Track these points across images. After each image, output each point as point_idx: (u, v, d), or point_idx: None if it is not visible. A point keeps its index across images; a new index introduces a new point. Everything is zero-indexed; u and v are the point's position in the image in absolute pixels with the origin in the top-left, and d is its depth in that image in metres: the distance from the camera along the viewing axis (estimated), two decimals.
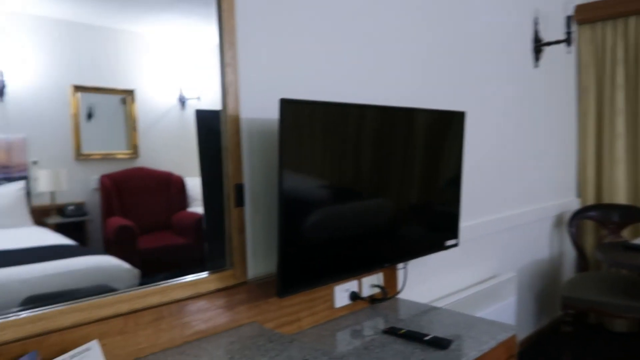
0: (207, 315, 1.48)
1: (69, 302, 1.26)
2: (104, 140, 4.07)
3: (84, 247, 3.55)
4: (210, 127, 1.64)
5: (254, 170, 1.63)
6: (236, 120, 1.56)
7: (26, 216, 3.96)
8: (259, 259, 1.64)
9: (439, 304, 2.20)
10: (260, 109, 1.64)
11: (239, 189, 1.58)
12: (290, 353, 1.34)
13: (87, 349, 1.17)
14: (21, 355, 1.12)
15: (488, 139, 2.68)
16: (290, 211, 1.51)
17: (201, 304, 1.47)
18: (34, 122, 3.92)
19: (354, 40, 1.93)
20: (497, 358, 1.61)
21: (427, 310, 1.89)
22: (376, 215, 1.85)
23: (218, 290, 1.51)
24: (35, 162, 4.15)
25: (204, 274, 1.51)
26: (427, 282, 2.33)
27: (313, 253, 1.60)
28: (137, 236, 3.99)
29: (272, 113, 1.66)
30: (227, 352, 1.37)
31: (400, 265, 2.08)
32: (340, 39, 1.87)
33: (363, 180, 1.77)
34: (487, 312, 2.52)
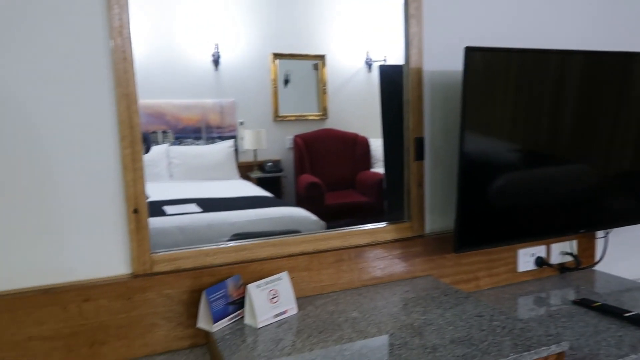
0: (383, 263, 1.54)
1: (264, 238, 1.44)
2: (298, 103, 4.43)
3: (278, 199, 3.97)
4: (393, 81, 1.65)
5: (434, 124, 1.60)
6: (419, 72, 1.54)
7: (234, 170, 4.58)
8: (436, 213, 1.63)
9: None
10: (443, 60, 1.58)
11: (419, 143, 1.58)
12: (465, 307, 1.32)
13: (279, 278, 1.33)
14: (228, 277, 1.33)
15: None
16: (471, 175, 1.45)
17: (378, 252, 1.53)
18: (241, 88, 4.44)
19: None
20: None
21: (633, 287, 1.65)
22: (574, 181, 1.66)
23: (395, 241, 1.56)
24: (241, 123, 4.73)
25: (382, 224, 1.57)
26: (635, 256, 2.02)
27: (494, 213, 1.52)
28: (324, 193, 4.30)
29: (456, 65, 1.60)
30: (402, 299, 1.41)
31: (599, 234, 1.85)
32: None
33: (561, 143, 1.59)
34: None
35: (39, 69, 1.15)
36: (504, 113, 1.48)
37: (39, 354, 1.18)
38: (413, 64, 1.54)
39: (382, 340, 1.16)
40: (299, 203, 3.80)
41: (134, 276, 1.27)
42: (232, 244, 1.40)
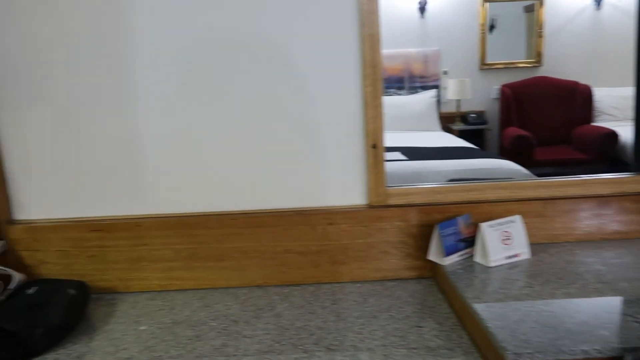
0: (630, 217, 1.38)
1: (495, 180, 1.40)
2: (506, 50, 4.13)
3: (482, 151, 3.80)
4: None
5: None
6: None
7: (436, 121, 4.54)
8: None
9: None
10: None
11: None
12: None
13: (512, 221, 1.30)
14: (458, 215, 1.34)
15: None
16: None
17: (625, 204, 1.37)
18: (446, 35, 4.30)
19: None
20: None
21: None
22: None
23: None
24: (445, 72, 4.62)
25: (630, 174, 1.40)
26: None
27: None
28: (534, 147, 3.98)
29: None
30: None
31: None
32: None
33: None
34: None
35: (295, 13, 1.28)
36: None
37: (292, 265, 1.38)
38: None
39: None
40: (503, 156, 3.61)
41: (370, 207, 1.37)
42: (459, 184, 1.40)
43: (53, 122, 1.33)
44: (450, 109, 4.38)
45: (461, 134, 4.20)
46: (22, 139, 1.34)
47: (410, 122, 4.11)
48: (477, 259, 1.29)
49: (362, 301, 1.28)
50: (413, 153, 3.18)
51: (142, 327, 1.19)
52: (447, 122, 4.41)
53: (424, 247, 1.37)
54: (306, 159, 1.35)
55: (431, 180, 2.89)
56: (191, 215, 1.36)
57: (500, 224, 1.29)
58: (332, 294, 1.33)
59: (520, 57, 4.40)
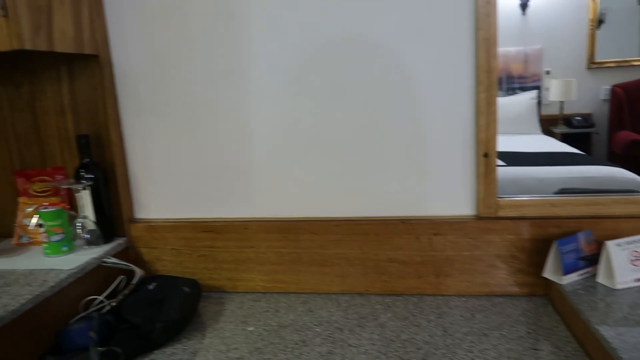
0: None
1: (624, 194, 1.28)
2: (618, 47, 3.81)
3: (589, 157, 3.52)
4: None
5: None
6: None
7: (536, 124, 4.28)
8: None
9: None
10: None
11: None
12: None
13: None
14: (577, 231, 1.24)
15: None
16: None
17: None
18: (550, 32, 4.04)
19: None
20: None
21: None
22: None
23: None
24: (547, 72, 4.34)
25: None
26: None
27: None
28: None
29: None
30: None
31: None
32: None
33: None
34: None
35: (409, 17, 1.25)
36: None
37: (395, 274, 1.36)
38: None
39: None
40: (614, 164, 3.31)
41: (478, 218, 1.31)
42: (580, 197, 1.30)
43: (171, 127, 1.41)
44: (552, 111, 4.09)
45: (564, 138, 3.90)
46: (143, 143, 1.43)
47: (508, 124, 3.88)
48: (600, 279, 1.18)
49: (469, 317, 1.23)
50: (512, 158, 3.01)
51: (250, 328, 1.23)
52: (548, 125, 4.10)
53: (537, 263, 1.29)
54: (413, 166, 1.32)
55: (532, 188, 2.72)
56: (296, 220, 1.38)
57: (629, 243, 1.17)
58: (437, 306, 1.29)
59: (634, 55, 4.00)
